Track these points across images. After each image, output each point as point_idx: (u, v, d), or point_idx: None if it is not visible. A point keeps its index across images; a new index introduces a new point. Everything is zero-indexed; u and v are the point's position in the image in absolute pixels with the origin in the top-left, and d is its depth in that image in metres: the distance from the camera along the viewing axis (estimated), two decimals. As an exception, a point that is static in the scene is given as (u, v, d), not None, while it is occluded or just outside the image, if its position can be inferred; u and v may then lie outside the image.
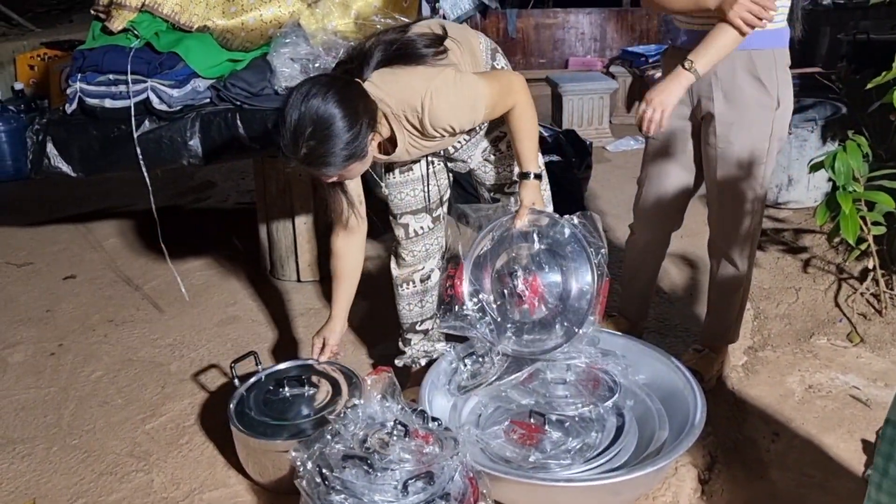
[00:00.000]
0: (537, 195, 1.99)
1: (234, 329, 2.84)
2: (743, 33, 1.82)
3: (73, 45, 4.67)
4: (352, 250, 2.05)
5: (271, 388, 2.05)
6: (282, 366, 2.16)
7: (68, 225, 3.97)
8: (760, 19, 1.79)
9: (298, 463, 1.60)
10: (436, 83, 1.74)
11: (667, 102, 1.88)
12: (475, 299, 2.01)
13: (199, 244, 3.57)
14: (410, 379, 2.34)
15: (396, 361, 2.36)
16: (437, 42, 1.82)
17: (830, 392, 2.31)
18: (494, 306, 2.01)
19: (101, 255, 3.59)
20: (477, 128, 2.05)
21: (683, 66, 1.86)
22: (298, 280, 3.16)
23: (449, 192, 2.24)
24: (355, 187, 1.97)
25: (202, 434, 2.24)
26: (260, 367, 2.14)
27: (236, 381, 2.09)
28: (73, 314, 3.04)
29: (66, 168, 2.60)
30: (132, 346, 2.77)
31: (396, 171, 2.14)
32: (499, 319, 1.99)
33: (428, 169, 2.12)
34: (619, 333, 2.27)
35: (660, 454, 1.82)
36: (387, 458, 1.53)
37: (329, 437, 1.64)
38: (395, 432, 1.60)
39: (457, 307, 2.00)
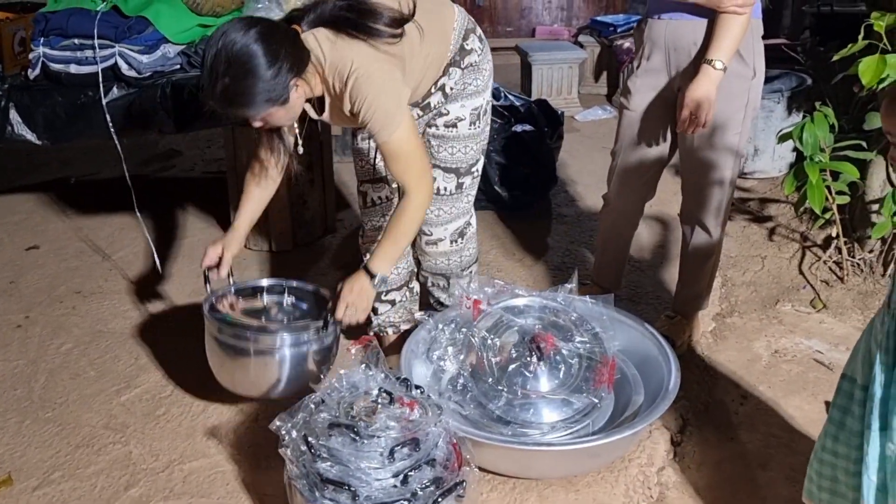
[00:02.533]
0: (358, 296, 1.84)
1: (206, 299, 2.80)
2: (741, 14, 1.90)
3: (26, 6, 4.48)
4: (263, 197, 2.00)
5: (244, 297, 2.05)
6: (260, 281, 2.15)
7: (28, 194, 3.86)
8: None
9: (283, 432, 1.60)
10: (372, 67, 1.70)
11: (708, 105, 1.96)
12: (459, 381, 1.96)
13: (166, 214, 3.51)
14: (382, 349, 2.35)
15: (368, 331, 2.37)
16: (398, 23, 1.75)
17: (795, 356, 2.39)
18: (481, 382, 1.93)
19: (64, 224, 3.51)
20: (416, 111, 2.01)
21: (711, 65, 1.93)
22: (271, 250, 3.14)
23: None
24: (288, 139, 1.92)
25: (179, 405, 2.23)
26: (232, 279, 2.06)
27: (208, 286, 2.01)
28: (38, 286, 2.97)
29: (30, 136, 2.52)
30: (102, 317, 2.73)
31: (359, 138, 2.14)
32: (490, 382, 1.91)
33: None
34: (594, 301, 2.31)
35: (636, 418, 1.87)
36: (373, 426, 1.55)
37: (313, 406, 1.65)
38: (380, 400, 1.61)
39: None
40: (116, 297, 2.86)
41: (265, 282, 2.14)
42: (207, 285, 2.01)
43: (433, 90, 1.99)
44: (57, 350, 2.53)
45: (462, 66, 1.99)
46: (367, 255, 2.13)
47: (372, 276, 1.82)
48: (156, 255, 2.90)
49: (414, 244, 2.23)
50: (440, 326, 2.07)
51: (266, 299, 2.03)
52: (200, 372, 2.35)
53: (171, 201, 3.65)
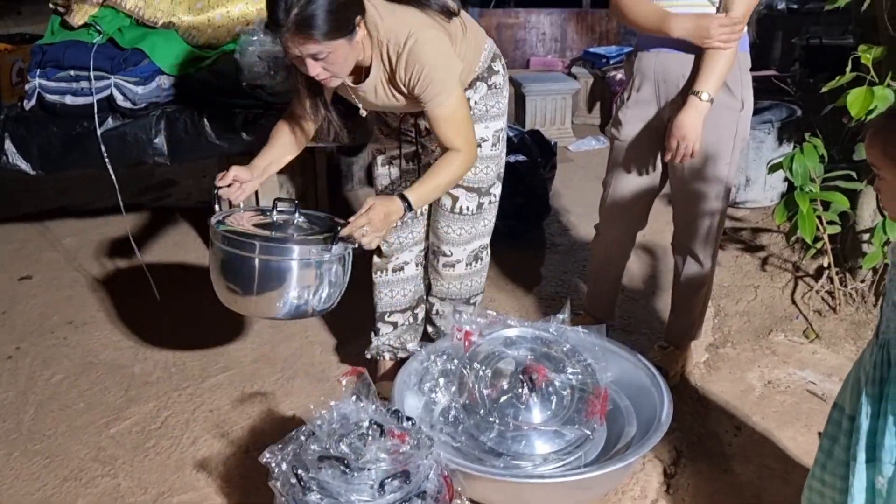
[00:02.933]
0: (381, 218, 1.78)
1: (199, 331, 2.79)
2: (724, 49, 1.93)
3: (24, 38, 4.53)
4: (286, 152, 2.02)
5: (254, 215, 1.97)
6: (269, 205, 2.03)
7: (23, 224, 3.85)
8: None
9: (273, 464, 1.59)
10: (429, 33, 1.78)
11: (695, 136, 1.98)
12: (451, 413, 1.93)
13: (161, 243, 3.52)
14: (377, 375, 2.36)
15: (366, 353, 2.39)
16: (446, 10, 1.87)
17: (788, 387, 2.39)
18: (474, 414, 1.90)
19: (59, 254, 3.51)
20: None
21: (698, 97, 1.96)
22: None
23: None
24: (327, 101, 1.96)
25: (168, 437, 2.21)
26: (242, 205, 2.02)
27: (217, 206, 1.93)
28: (30, 316, 2.96)
29: (24, 166, 2.54)
30: (93, 348, 2.72)
31: (379, 162, 2.21)
32: (482, 414, 1.88)
33: (416, 162, 2.14)
34: (587, 331, 2.31)
35: (628, 450, 1.86)
36: (363, 459, 1.54)
37: (303, 437, 1.63)
38: (370, 432, 1.60)
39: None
40: (109, 327, 2.85)
41: (276, 202, 1.98)
42: (217, 205, 1.96)
43: None
44: (47, 381, 2.51)
45: (488, 84, 2.06)
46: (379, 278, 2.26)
47: (409, 208, 1.81)
48: (153, 284, 2.88)
49: (426, 267, 2.28)
50: (432, 357, 2.07)
51: (276, 216, 1.93)
52: (189, 404, 2.36)
53: (166, 230, 3.66)
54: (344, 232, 1.76)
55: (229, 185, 1.90)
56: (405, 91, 1.85)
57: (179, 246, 3.51)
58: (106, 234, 3.64)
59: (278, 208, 1.94)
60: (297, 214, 1.92)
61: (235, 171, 1.90)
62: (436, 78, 1.78)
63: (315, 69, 1.71)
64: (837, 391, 2.30)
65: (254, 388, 2.43)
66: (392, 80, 1.84)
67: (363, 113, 2.01)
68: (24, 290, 3.18)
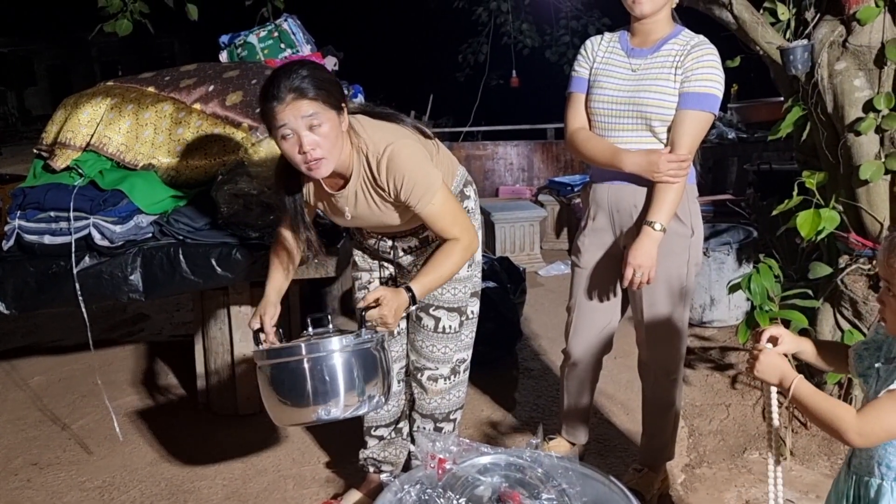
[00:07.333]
0: (393, 314, 1.88)
1: (168, 468, 2.73)
2: (673, 183, 2.06)
3: (4, 179, 4.66)
4: (286, 273, 2.12)
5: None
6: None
7: (-10, 363, 3.81)
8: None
9: None
10: (406, 142, 1.90)
11: (650, 264, 2.08)
12: None
13: (132, 379, 3.48)
14: (362, 485, 2.44)
15: (360, 464, 2.44)
16: (421, 132, 2.03)
17: (767, 507, 2.37)
18: None
19: (25, 394, 3.44)
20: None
21: (651, 227, 2.07)
22: (237, 413, 3.10)
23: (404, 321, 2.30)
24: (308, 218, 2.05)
25: (133, 583, 2.12)
26: (281, 334, 2.06)
27: (256, 344, 2.01)
28: (-7, 458, 2.88)
29: (-1, 305, 2.55)
30: (58, 490, 2.63)
31: (356, 287, 2.30)
32: None
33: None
34: (560, 455, 2.30)
35: (607, 579, 1.82)
36: None
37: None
38: (342, 569, 1.57)
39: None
40: (74, 468, 2.77)
41: (309, 321, 2.03)
42: (256, 344, 2.02)
43: None
44: (7, 527, 2.42)
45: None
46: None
47: (413, 300, 1.89)
48: (115, 423, 2.83)
49: (410, 384, 2.33)
50: (406, 488, 2.03)
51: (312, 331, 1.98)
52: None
53: (137, 366, 3.62)
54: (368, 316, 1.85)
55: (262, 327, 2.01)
56: (391, 199, 1.93)
57: (149, 381, 3.47)
58: (74, 372, 3.60)
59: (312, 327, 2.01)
60: (330, 325, 1.98)
61: (268, 317, 2.01)
62: (418, 181, 1.88)
63: (309, 140, 1.76)
64: (814, 509, 2.30)
65: (223, 527, 2.36)
66: (375, 184, 1.93)
67: (348, 215, 2.05)
68: (-11, 431, 3.10)
